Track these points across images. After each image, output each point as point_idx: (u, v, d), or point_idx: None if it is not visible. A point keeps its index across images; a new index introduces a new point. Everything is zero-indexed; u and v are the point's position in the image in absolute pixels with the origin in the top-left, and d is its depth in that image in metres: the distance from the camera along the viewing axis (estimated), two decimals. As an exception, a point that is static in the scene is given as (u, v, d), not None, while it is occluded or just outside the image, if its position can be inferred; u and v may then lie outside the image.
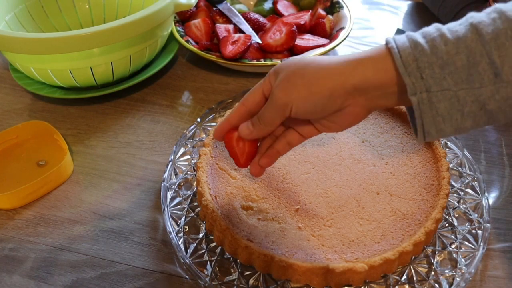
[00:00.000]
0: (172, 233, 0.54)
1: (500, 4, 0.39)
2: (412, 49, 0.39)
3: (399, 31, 0.92)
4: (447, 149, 0.63)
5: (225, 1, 0.87)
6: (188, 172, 0.62)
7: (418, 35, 0.40)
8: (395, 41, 0.40)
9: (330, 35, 0.84)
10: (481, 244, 0.52)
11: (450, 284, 0.49)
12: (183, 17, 0.87)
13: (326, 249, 0.50)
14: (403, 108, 0.65)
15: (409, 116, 0.45)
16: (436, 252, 0.53)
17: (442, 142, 0.63)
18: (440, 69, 0.38)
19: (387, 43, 0.41)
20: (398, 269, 0.51)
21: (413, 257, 0.52)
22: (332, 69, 0.42)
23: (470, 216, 0.56)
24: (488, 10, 0.39)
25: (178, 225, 0.56)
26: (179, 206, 0.58)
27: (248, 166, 0.49)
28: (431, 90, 0.39)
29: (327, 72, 0.42)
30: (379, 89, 0.41)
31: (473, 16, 0.39)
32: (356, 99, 0.42)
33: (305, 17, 0.83)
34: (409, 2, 1.02)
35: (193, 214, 0.57)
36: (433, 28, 0.40)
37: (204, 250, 0.54)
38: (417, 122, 0.40)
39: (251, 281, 0.51)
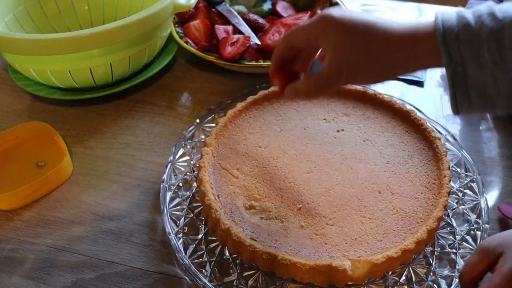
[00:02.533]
0: (171, 234, 0.54)
1: None
2: (457, 22, 0.39)
3: None
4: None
5: (224, 2, 0.87)
6: (188, 173, 0.62)
7: (467, 11, 0.40)
8: (442, 15, 0.40)
9: (329, 36, 0.84)
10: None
11: (449, 285, 0.50)
12: (182, 18, 0.87)
13: (328, 247, 0.51)
14: (404, 107, 0.65)
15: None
16: (435, 253, 0.53)
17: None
18: (479, 44, 0.38)
19: (435, 19, 0.41)
20: (397, 270, 0.51)
21: (415, 255, 0.52)
22: (396, 53, 0.42)
23: (468, 217, 0.56)
24: None
25: (177, 226, 0.56)
26: (178, 207, 0.58)
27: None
28: (467, 64, 0.38)
29: (391, 56, 0.42)
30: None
31: None
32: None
33: (304, 18, 0.83)
34: (408, 4, 1.02)
35: (192, 215, 0.57)
36: (485, 6, 0.40)
37: (203, 251, 0.54)
38: (449, 92, 0.40)
39: (250, 282, 0.51)
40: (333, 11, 0.43)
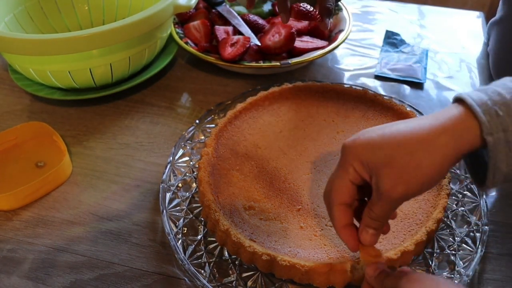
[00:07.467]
0: (171, 234, 0.54)
1: None
2: (484, 93, 0.39)
3: (388, 33, 0.92)
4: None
5: (224, 3, 0.87)
6: (187, 174, 0.62)
7: (487, 86, 0.40)
8: (463, 92, 0.41)
9: (329, 37, 0.84)
10: (479, 246, 0.52)
11: (449, 286, 0.50)
12: (182, 19, 0.87)
13: (328, 249, 0.51)
14: (404, 108, 0.65)
15: (468, 165, 0.45)
16: (434, 255, 0.53)
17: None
18: None
19: (456, 98, 0.41)
20: (397, 271, 0.51)
21: (414, 257, 0.52)
22: (432, 147, 0.39)
23: (468, 219, 0.56)
24: None
25: (176, 227, 0.55)
26: (177, 208, 0.58)
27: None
28: (508, 129, 0.38)
29: (433, 156, 0.39)
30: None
31: None
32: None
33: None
34: (408, 5, 1.03)
35: (191, 215, 0.57)
36: (501, 79, 0.41)
37: (202, 252, 0.54)
38: (490, 162, 0.39)
39: (249, 283, 0.51)
40: (349, 140, 0.42)
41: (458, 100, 0.41)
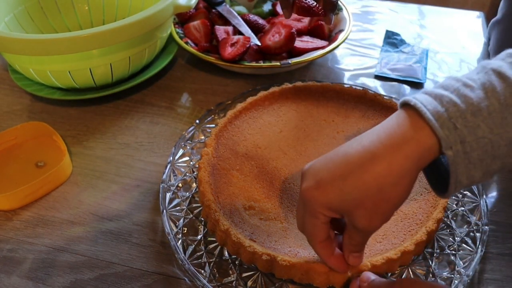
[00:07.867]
0: (171, 234, 0.54)
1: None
2: (439, 102, 0.38)
3: (388, 33, 0.92)
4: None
5: (224, 3, 0.87)
6: (187, 174, 0.62)
7: (437, 89, 0.39)
8: (416, 99, 0.39)
9: (329, 37, 0.84)
10: (479, 246, 0.52)
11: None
12: (182, 19, 0.87)
13: None
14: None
15: (427, 173, 0.45)
16: (434, 255, 0.52)
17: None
18: (473, 116, 0.37)
19: (407, 102, 0.39)
20: (397, 271, 0.51)
21: (414, 257, 0.52)
22: (392, 174, 0.38)
23: (468, 219, 0.56)
24: (501, 56, 0.39)
25: (176, 227, 0.55)
26: (177, 208, 0.58)
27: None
28: (465, 141, 0.37)
29: (394, 190, 0.39)
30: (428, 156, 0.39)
31: (489, 63, 0.39)
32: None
33: (304, 19, 0.84)
34: (408, 5, 1.03)
35: (191, 215, 0.57)
36: (451, 80, 0.39)
37: (202, 252, 0.54)
38: (451, 177, 0.38)
39: (249, 283, 0.51)
40: (309, 186, 0.41)
41: (408, 104, 0.40)
